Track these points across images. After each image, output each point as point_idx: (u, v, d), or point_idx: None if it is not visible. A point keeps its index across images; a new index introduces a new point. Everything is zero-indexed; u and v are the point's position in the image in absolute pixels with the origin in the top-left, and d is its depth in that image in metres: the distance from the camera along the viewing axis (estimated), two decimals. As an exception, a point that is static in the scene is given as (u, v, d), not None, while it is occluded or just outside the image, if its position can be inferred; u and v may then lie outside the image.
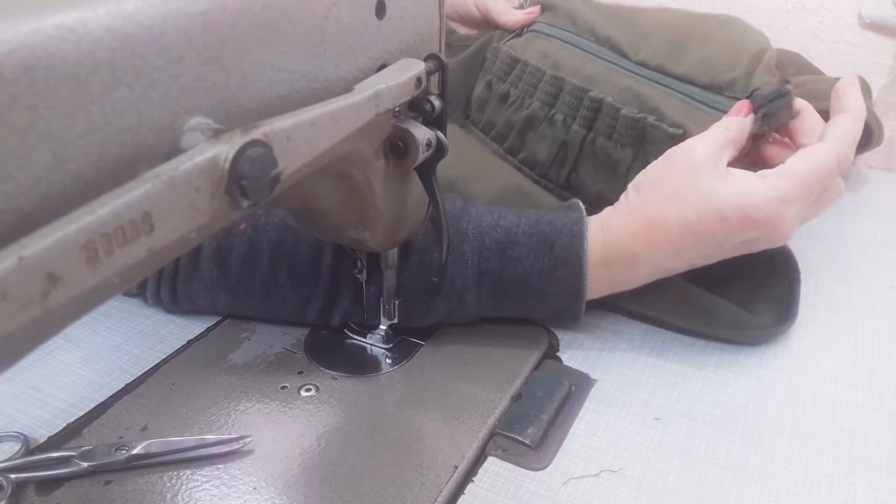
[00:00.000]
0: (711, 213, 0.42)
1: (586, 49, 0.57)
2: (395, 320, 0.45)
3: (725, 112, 0.48)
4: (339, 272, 0.44)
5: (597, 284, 0.45)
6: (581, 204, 0.46)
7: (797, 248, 0.59)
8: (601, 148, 0.52)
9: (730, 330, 0.47)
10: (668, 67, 0.52)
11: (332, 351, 0.45)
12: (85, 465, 0.36)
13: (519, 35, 0.65)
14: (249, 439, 0.38)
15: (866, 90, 0.68)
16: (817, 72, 0.70)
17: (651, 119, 0.49)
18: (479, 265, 0.44)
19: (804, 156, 0.43)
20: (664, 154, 0.45)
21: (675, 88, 0.51)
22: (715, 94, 0.51)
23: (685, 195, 0.42)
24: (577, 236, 0.43)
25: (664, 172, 0.44)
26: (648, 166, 0.45)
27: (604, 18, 0.58)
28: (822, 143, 0.44)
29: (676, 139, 0.48)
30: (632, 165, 0.50)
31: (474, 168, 0.54)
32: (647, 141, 0.50)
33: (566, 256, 0.43)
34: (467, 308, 0.45)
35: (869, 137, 0.66)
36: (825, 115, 0.63)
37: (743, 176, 0.43)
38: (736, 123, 0.45)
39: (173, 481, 0.36)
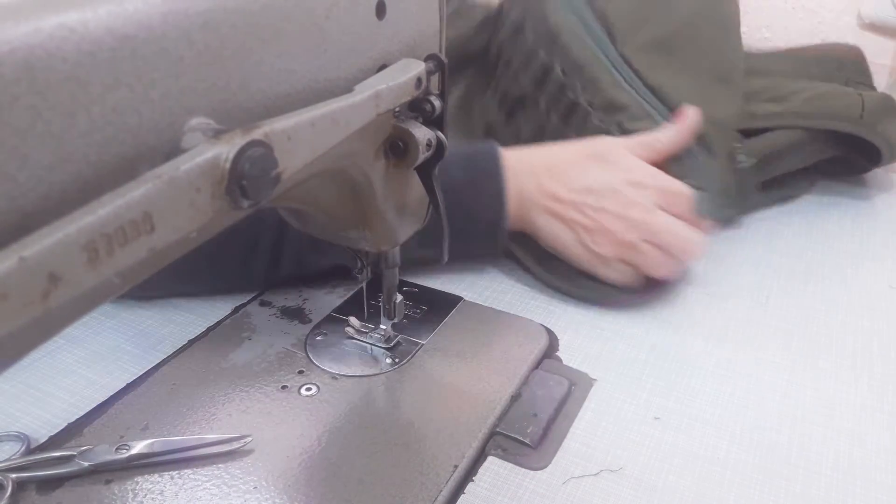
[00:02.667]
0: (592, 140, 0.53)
1: (584, 19, 0.61)
2: (396, 320, 0.45)
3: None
4: (284, 223, 0.44)
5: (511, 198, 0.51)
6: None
7: (797, 247, 0.60)
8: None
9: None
10: (645, 74, 0.58)
11: (332, 351, 0.45)
12: (86, 464, 0.36)
13: None
14: (250, 439, 0.38)
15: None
16: (867, 74, 0.70)
17: (614, 131, 0.57)
18: None
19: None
20: None
21: (645, 98, 0.58)
22: None
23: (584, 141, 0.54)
24: (492, 152, 0.52)
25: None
26: None
27: None
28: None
29: None
30: None
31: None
32: None
33: (485, 165, 0.51)
34: None
35: (878, 158, 0.65)
36: (828, 133, 0.64)
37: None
38: (667, 136, 0.54)
39: (174, 481, 0.36)
